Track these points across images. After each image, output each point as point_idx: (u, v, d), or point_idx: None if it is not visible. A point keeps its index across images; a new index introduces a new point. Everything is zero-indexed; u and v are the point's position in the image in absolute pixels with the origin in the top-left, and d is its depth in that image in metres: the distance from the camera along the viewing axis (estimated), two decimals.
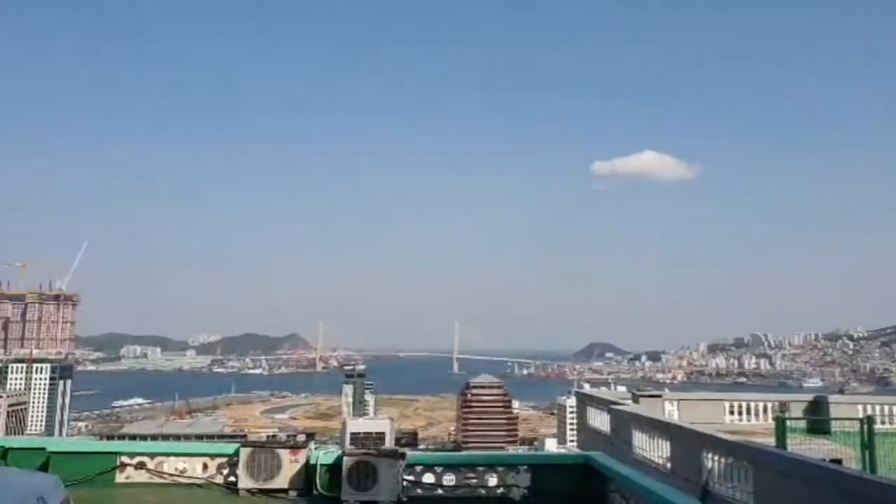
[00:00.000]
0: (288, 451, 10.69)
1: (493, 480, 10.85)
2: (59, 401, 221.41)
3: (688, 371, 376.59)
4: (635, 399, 21.80)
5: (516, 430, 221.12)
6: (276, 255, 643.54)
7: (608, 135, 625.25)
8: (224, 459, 10.99)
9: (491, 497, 10.72)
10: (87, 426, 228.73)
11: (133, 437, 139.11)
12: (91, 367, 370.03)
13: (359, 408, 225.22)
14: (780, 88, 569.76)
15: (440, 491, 10.75)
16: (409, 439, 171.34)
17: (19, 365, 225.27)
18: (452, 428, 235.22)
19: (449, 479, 10.87)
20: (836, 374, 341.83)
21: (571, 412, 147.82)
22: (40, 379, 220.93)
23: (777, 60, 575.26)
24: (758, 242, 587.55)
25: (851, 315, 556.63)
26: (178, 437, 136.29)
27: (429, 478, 10.80)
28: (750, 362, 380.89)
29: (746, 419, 22.10)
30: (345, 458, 10.39)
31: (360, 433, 11.04)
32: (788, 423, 15.14)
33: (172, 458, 11.03)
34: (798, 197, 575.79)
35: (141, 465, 10.90)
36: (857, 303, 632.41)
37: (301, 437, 11.42)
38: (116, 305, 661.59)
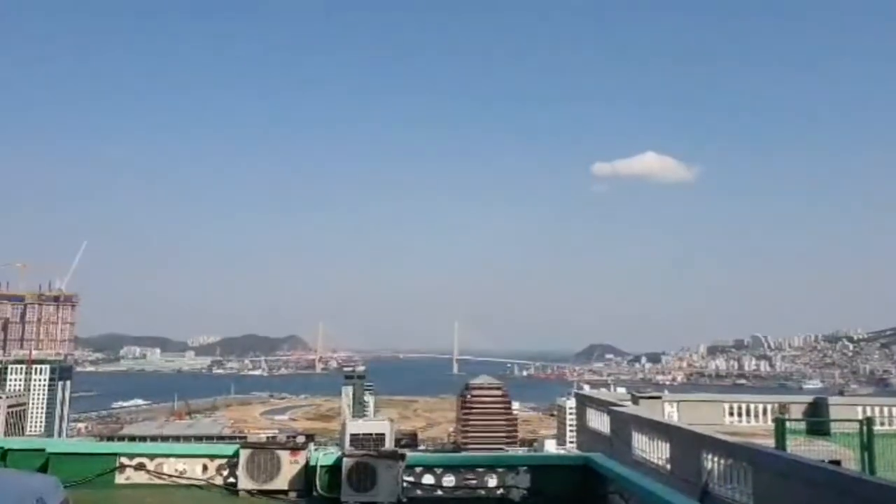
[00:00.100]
0: (288, 452, 10.68)
1: (492, 481, 10.86)
2: (59, 402, 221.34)
3: (687, 372, 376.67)
4: (635, 400, 21.81)
5: (516, 431, 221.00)
6: (275, 256, 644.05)
7: (609, 136, 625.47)
8: (224, 461, 10.98)
9: (491, 498, 10.72)
10: (86, 427, 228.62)
11: (133, 439, 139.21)
12: (90, 368, 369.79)
13: (358, 409, 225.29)
14: (779, 89, 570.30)
15: (440, 492, 10.75)
16: (409, 440, 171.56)
17: (19, 366, 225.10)
18: (452, 429, 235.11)
19: (448, 481, 10.87)
20: (836, 375, 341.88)
21: (571, 413, 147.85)
22: (40, 380, 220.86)
23: (777, 61, 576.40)
24: (758, 244, 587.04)
25: (851, 317, 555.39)
26: (177, 439, 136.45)
27: (428, 479, 10.80)
28: (750, 364, 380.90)
29: (746, 421, 22.12)
30: (344, 459, 10.39)
31: (359, 434, 11.07)
32: (788, 424, 15.16)
33: (172, 460, 11.02)
34: (798, 198, 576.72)
35: (140, 467, 10.89)
36: (856, 305, 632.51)
37: (301, 439, 11.39)
38: (116, 306, 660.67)
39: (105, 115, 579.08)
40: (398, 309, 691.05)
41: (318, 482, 10.54)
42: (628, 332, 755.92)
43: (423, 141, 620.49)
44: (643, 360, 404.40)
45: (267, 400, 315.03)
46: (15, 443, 11.81)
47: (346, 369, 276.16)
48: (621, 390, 48.52)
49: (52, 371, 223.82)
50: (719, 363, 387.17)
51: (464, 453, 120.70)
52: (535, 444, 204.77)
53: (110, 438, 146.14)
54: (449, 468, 11.06)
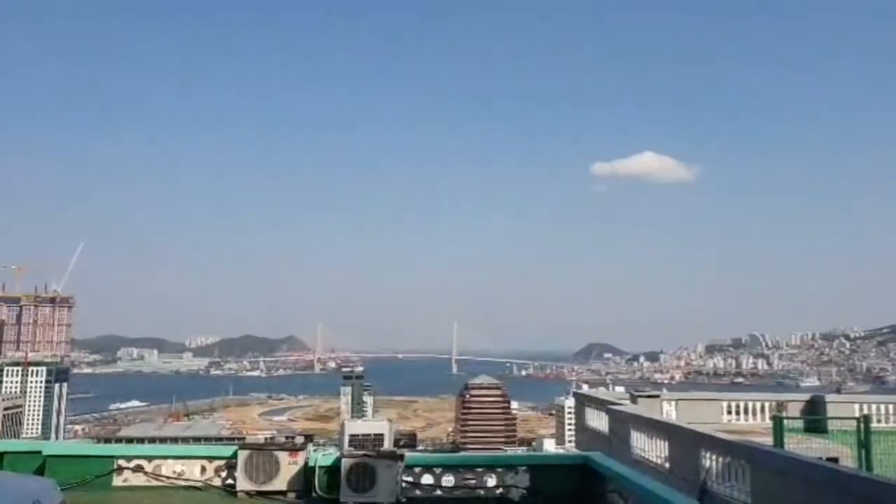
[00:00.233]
0: (286, 453, 10.65)
1: (491, 481, 10.85)
2: (56, 404, 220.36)
3: (686, 371, 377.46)
4: (633, 399, 21.84)
5: (515, 430, 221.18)
6: (274, 256, 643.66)
7: (608, 136, 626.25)
8: (222, 462, 10.94)
9: (490, 498, 10.71)
10: (83, 429, 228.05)
11: (130, 440, 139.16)
12: (87, 370, 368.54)
13: (357, 409, 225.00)
14: (779, 89, 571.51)
15: (439, 492, 10.74)
16: (408, 440, 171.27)
17: (15, 368, 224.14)
18: (451, 429, 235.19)
19: (448, 480, 10.86)
20: (833, 373, 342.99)
21: (570, 413, 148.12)
22: (36, 382, 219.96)
23: (777, 61, 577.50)
24: (756, 243, 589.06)
25: (848, 315, 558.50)
26: (175, 440, 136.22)
27: (427, 479, 10.79)
28: (747, 362, 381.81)
29: (744, 419, 22.18)
30: (343, 460, 10.37)
31: (358, 435, 11.01)
32: (786, 422, 15.17)
33: (170, 461, 10.97)
34: (797, 198, 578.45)
35: (138, 468, 10.84)
36: (853, 303, 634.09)
37: (299, 439, 11.31)
38: (113, 307, 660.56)
39: (105, 116, 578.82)
40: (397, 309, 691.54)
41: (316, 483, 10.52)
42: (627, 331, 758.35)
43: (423, 141, 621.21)
44: (641, 359, 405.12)
45: (265, 401, 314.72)
46: (11, 445, 11.76)
47: (344, 370, 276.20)
48: (620, 389, 48.60)
49: (49, 373, 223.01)
50: (717, 362, 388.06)
51: (463, 453, 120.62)
52: (534, 443, 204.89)
53: (108, 440, 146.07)
54: (448, 468, 11.04)
